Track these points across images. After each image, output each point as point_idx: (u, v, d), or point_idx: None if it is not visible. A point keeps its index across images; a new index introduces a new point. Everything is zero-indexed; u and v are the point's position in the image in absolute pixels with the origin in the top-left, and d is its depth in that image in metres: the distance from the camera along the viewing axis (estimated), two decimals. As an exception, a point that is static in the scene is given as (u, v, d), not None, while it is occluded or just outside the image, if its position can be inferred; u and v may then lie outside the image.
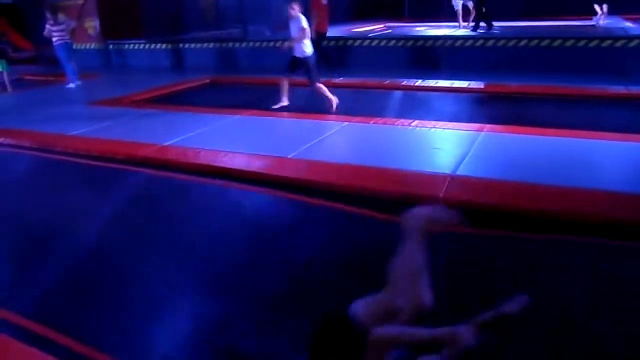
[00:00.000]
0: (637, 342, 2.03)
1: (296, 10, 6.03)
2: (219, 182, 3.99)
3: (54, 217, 3.61)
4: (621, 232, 2.80)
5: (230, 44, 10.61)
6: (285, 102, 6.38)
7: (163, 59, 11.17)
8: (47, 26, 8.68)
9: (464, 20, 11.08)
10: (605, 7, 10.56)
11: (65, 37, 8.75)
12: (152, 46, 11.42)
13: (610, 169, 3.80)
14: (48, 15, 8.71)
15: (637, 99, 6.16)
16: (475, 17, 10.63)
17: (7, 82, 9.02)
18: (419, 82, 7.48)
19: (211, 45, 10.85)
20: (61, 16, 8.90)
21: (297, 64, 6.14)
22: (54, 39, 8.71)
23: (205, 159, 4.40)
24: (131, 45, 11.62)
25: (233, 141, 4.86)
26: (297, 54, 6.08)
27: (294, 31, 6.06)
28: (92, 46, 11.97)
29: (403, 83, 7.56)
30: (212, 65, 10.35)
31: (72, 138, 5.37)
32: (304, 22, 6.04)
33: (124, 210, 3.62)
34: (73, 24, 9.24)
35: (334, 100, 6.08)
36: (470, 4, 10.91)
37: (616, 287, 2.40)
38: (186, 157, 4.51)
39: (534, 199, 3.22)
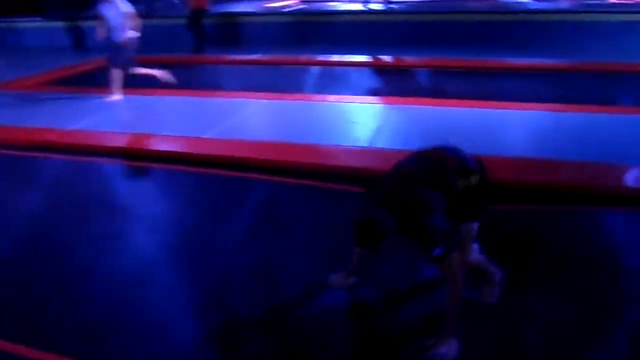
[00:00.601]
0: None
1: None
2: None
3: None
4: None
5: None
6: (117, 95, 5.56)
7: (62, 38, 10.30)
8: None
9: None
10: None
11: None
12: (50, 24, 10.50)
13: (512, 136, 4.05)
14: None
15: (535, 69, 6.59)
16: None
17: None
18: (334, 58, 7.51)
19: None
20: None
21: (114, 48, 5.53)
22: None
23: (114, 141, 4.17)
24: (25, 23, 10.63)
25: (144, 122, 4.64)
26: (115, 38, 5.46)
27: (113, 18, 5.40)
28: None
29: (319, 58, 7.56)
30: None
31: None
32: (125, 5, 5.42)
33: (40, 197, 3.36)
34: None
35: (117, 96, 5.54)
36: None
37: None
38: (94, 140, 4.24)
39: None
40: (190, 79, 6.56)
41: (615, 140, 3.81)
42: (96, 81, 6.49)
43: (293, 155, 3.69)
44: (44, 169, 3.96)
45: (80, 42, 10.17)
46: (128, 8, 5.45)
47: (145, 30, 5.70)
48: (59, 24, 10.33)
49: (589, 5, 8.81)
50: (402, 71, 7.17)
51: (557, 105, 4.68)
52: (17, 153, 4.21)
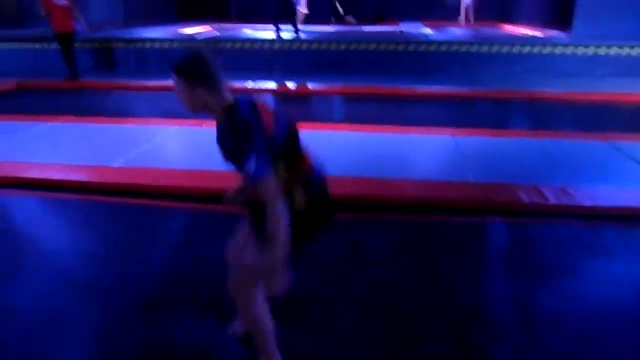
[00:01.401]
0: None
1: None
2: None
3: None
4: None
5: (38, 45, 9.44)
6: None
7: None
8: None
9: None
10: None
11: None
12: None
13: (414, 159, 4.33)
14: None
15: (439, 96, 7.09)
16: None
17: None
18: (248, 84, 7.59)
19: (19, 45, 9.53)
20: None
21: None
22: None
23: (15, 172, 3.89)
24: None
25: (45, 150, 4.38)
26: None
27: None
28: None
29: (232, 85, 7.56)
30: (22, 68, 9.05)
31: None
32: None
33: None
34: None
35: None
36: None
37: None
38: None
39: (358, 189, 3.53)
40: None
41: (507, 160, 4.21)
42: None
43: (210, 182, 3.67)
44: None
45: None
46: None
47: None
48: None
49: (486, 37, 9.66)
50: (309, 98, 7.40)
51: (456, 130, 5.06)
52: None
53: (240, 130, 1.64)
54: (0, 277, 2.63)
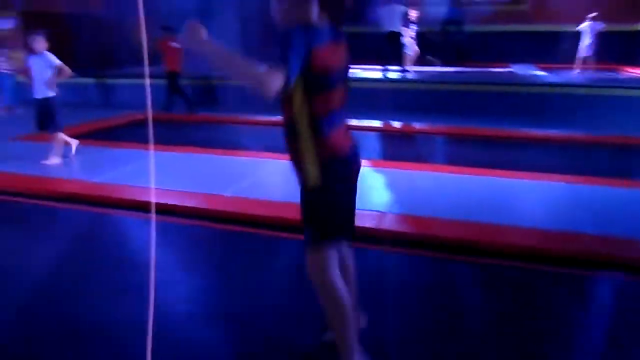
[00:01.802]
0: None
1: (42, 44, 5.28)
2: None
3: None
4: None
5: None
6: (55, 160, 5.46)
7: (93, 94, 10.85)
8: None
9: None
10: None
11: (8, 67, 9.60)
12: (82, 80, 11.07)
13: (525, 206, 4.09)
14: None
15: (553, 141, 6.70)
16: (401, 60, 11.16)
17: None
18: (353, 122, 7.72)
19: (140, 81, 10.66)
20: None
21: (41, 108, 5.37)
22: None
23: (135, 195, 4.29)
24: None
25: (166, 178, 4.78)
26: (38, 95, 5.34)
27: (40, 69, 5.25)
28: (19, 78, 11.42)
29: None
30: (145, 101, 10.10)
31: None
32: (53, 57, 5.31)
33: (57, 248, 3.45)
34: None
35: (56, 160, 5.43)
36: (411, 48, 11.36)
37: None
38: (115, 193, 4.38)
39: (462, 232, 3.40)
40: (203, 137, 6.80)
41: (629, 213, 3.83)
42: (124, 135, 6.77)
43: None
44: (66, 219, 4.08)
45: (108, 98, 10.69)
46: (56, 60, 5.28)
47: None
48: (90, 80, 10.91)
49: (604, 79, 9.04)
50: (417, 138, 7.35)
51: (572, 177, 4.72)
52: (40, 203, 4.37)
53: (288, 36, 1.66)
54: (114, 295, 2.87)
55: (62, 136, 5.57)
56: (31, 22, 11.11)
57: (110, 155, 5.84)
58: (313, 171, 1.80)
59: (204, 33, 1.69)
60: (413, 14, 11.14)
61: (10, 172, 5.16)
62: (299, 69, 1.65)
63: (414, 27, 11.15)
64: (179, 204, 4.07)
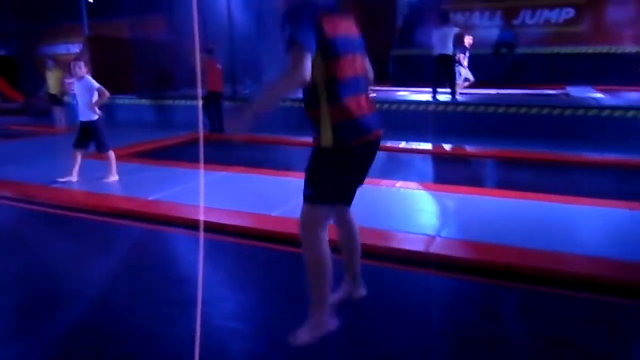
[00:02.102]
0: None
1: (83, 70, 5.54)
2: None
3: (37, 269, 3.54)
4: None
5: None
6: (74, 177, 5.69)
7: (151, 115, 11.35)
8: (68, 80, 9.77)
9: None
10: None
11: None
12: (142, 101, 11.62)
13: (585, 233, 3.90)
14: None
15: (614, 165, 6.39)
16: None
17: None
18: (402, 144, 7.69)
19: (193, 102, 11.08)
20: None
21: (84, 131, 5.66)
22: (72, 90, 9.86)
23: (188, 213, 4.40)
24: (121, 100, 11.81)
25: (217, 197, 4.89)
26: (82, 118, 5.62)
27: (82, 93, 5.54)
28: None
29: (387, 144, 7.76)
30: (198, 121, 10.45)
31: (56, 190, 5.36)
32: (94, 81, 5.59)
33: (111, 263, 3.58)
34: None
35: (114, 177, 5.71)
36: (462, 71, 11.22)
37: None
38: (170, 211, 4.52)
39: (516, 260, 3.27)
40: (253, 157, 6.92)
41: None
42: (180, 155, 7.00)
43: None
44: (123, 235, 4.24)
45: (165, 118, 11.14)
46: (96, 84, 5.50)
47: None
48: (148, 102, 11.42)
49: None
50: (468, 161, 7.19)
51: (632, 204, 4.47)
52: (99, 219, 4.56)
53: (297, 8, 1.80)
54: (164, 308, 2.93)
55: (112, 154, 5.81)
56: (95, 47, 11.84)
57: (165, 173, 6.04)
58: (326, 132, 1.90)
59: (243, 119, 1.84)
60: (467, 39, 11.02)
61: (71, 188, 5.44)
62: (314, 39, 1.76)
63: (467, 52, 11.03)
64: (227, 222, 4.14)
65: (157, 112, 11.37)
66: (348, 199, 2.19)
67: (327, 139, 1.91)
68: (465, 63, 11.00)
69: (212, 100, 9.40)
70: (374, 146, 2.08)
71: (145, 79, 11.85)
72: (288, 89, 1.75)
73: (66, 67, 10.93)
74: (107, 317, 2.83)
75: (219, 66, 9.29)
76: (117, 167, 5.84)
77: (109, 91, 5.71)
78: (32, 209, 4.94)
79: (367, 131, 1.98)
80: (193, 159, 6.95)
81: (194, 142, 8.65)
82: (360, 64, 2.01)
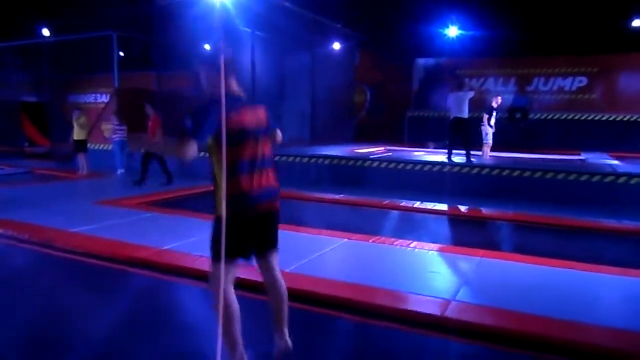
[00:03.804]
0: None
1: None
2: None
3: (50, 315, 3.56)
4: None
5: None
6: None
7: (174, 165, 11.56)
8: (112, 125, 11.18)
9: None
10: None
11: (123, 136, 10.90)
12: (163, 151, 11.90)
13: (604, 303, 3.81)
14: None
15: (628, 233, 6.32)
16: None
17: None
18: (417, 204, 7.72)
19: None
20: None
21: None
22: (114, 136, 11.02)
23: (201, 265, 4.42)
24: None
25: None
26: None
27: None
28: (105, 147, 12.49)
29: (401, 204, 7.79)
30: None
31: (73, 235, 5.43)
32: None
33: (122, 311, 3.58)
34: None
35: None
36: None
37: None
38: (183, 262, 4.54)
39: (526, 327, 3.21)
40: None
41: None
42: (197, 205, 7.10)
43: (376, 297, 3.71)
44: (132, 283, 4.25)
45: (185, 169, 11.35)
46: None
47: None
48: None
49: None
50: (483, 223, 7.16)
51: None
52: (110, 265, 4.60)
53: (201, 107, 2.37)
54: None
55: None
56: (124, 98, 12.30)
57: (181, 223, 6.11)
58: (218, 205, 2.38)
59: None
60: (495, 100, 11.17)
61: (88, 234, 5.51)
62: (211, 133, 2.31)
63: (495, 113, 11.11)
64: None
65: (178, 162, 11.59)
66: (243, 255, 2.58)
67: (217, 209, 2.39)
68: (492, 122, 11.10)
69: (157, 155, 9.51)
70: (267, 215, 2.58)
71: (170, 129, 12.19)
72: (176, 155, 2.32)
73: (92, 116, 11.38)
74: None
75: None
76: (134, 215, 5.93)
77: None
78: (47, 253, 5.00)
79: (257, 203, 2.48)
80: (209, 210, 7.07)
81: (211, 193, 8.77)
82: (263, 146, 2.52)
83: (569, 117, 14.72)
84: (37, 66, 14.62)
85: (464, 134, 10.11)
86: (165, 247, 4.97)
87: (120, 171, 11.19)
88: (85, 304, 3.77)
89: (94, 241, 5.21)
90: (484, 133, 11.03)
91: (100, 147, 12.52)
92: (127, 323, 3.41)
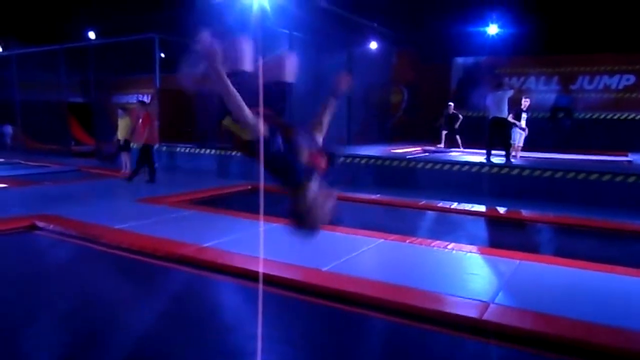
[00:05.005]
0: None
1: None
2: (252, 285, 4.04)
3: (93, 308, 3.71)
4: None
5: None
6: None
7: (210, 164, 11.82)
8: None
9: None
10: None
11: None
12: (202, 151, 12.16)
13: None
14: None
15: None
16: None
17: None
18: (454, 205, 7.62)
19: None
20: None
21: None
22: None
23: (240, 263, 4.51)
24: (182, 149, 12.43)
25: (269, 248, 4.98)
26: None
27: None
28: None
29: (439, 205, 7.71)
30: (256, 173, 10.82)
31: (117, 231, 5.63)
32: None
33: (162, 306, 3.70)
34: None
35: None
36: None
37: None
38: (223, 259, 4.64)
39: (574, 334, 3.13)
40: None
41: None
42: (235, 204, 7.23)
43: (412, 298, 3.70)
44: (173, 279, 4.37)
45: (222, 168, 11.58)
46: None
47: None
48: (211, 151, 11.95)
49: None
50: (523, 225, 7.01)
51: None
52: (153, 262, 4.74)
53: None
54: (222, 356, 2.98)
55: None
56: (163, 98, 12.64)
57: (220, 221, 6.24)
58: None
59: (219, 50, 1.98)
60: (524, 102, 10.98)
61: (131, 230, 5.70)
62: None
63: (525, 115, 10.95)
64: (277, 274, 4.21)
65: (216, 161, 11.84)
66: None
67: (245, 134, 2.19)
68: (523, 124, 10.88)
69: (146, 152, 9.59)
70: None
71: (206, 128, 12.46)
72: (237, 111, 2.02)
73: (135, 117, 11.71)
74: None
75: (154, 118, 9.68)
76: (174, 213, 6.10)
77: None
78: (93, 248, 5.21)
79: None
80: (246, 209, 7.20)
81: (249, 192, 8.93)
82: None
83: (615, 117, 14.19)
84: (83, 68, 15.19)
85: (503, 134, 9.90)
86: (205, 245, 5.09)
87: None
88: (127, 298, 3.92)
89: (137, 238, 5.38)
90: (513, 134, 10.86)
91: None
92: (168, 318, 3.52)
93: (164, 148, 12.63)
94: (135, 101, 12.54)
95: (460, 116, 13.45)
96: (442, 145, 13.52)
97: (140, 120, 9.65)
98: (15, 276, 4.49)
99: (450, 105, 13.54)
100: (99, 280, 4.37)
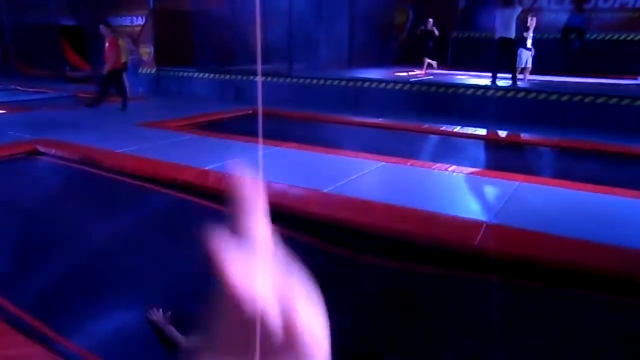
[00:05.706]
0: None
1: None
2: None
3: (94, 229, 3.77)
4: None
5: (275, 79, 10.94)
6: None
7: (210, 88, 11.60)
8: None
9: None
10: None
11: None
12: (201, 75, 11.89)
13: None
14: None
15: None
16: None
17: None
18: (457, 129, 7.53)
19: (257, 78, 11.16)
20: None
21: None
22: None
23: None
24: (181, 73, 12.14)
25: (270, 171, 4.98)
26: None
27: None
28: (144, 71, 12.57)
29: (441, 128, 7.62)
30: (256, 96, 10.61)
31: (118, 155, 5.62)
32: None
33: (159, 230, 3.76)
34: None
35: None
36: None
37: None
38: (224, 182, 4.65)
39: (564, 253, 3.17)
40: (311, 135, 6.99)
41: None
42: (236, 128, 7.16)
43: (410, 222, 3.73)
44: (172, 202, 4.40)
45: (223, 92, 11.38)
46: None
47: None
48: (210, 75, 11.69)
49: None
50: (525, 148, 6.96)
51: None
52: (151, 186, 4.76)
53: None
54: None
55: None
56: (159, 19, 12.17)
57: (222, 145, 6.21)
58: None
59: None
60: (530, 21, 10.50)
61: (133, 154, 5.68)
62: None
63: (531, 35, 10.51)
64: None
65: (216, 86, 11.61)
66: None
67: None
68: (529, 44, 10.46)
69: (114, 78, 9.05)
70: None
71: (207, 52, 12.10)
72: None
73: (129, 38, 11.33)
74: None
75: (120, 42, 9.06)
76: (175, 137, 6.05)
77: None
78: (93, 172, 5.21)
79: None
80: (248, 133, 7.13)
81: (250, 116, 8.81)
82: None
83: (629, 38, 13.66)
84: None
85: (510, 56, 9.57)
86: (207, 168, 5.08)
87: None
88: (125, 222, 3.96)
89: (137, 161, 5.37)
90: (518, 56, 10.46)
91: (140, 70, 12.60)
92: (168, 241, 3.58)
93: (161, 72, 12.33)
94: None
95: (437, 33, 12.33)
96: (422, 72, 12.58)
97: (107, 45, 8.90)
98: (19, 202, 4.53)
99: (429, 21, 12.40)
100: (99, 204, 4.41)
